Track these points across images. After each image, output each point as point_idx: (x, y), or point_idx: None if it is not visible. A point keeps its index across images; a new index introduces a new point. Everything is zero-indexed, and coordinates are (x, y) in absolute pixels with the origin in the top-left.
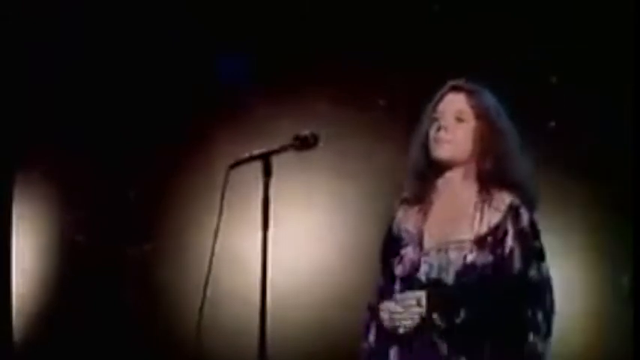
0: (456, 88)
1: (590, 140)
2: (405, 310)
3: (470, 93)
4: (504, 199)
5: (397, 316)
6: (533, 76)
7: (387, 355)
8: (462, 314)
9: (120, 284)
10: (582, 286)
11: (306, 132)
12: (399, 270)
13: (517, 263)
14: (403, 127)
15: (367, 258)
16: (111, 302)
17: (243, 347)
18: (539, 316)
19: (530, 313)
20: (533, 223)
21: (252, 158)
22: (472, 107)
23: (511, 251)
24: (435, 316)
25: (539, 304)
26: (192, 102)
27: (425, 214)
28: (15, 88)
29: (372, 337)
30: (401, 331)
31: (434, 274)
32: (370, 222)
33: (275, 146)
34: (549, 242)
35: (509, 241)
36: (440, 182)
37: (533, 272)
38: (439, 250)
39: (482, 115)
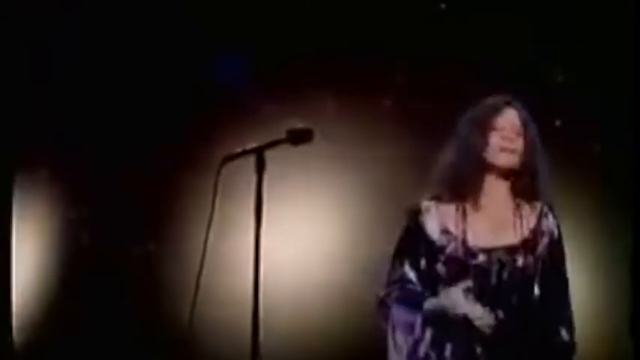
0: (509, 104)
1: (590, 140)
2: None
3: (519, 110)
4: (535, 205)
5: (483, 320)
6: (534, 75)
7: (442, 347)
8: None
9: (121, 284)
10: (582, 285)
11: (300, 125)
12: (441, 270)
13: (553, 263)
14: (405, 125)
15: (361, 253)
16: (112, 302)
17: (237, 345)
18: (569, 312)
19: (565, 309)
20: (559, 227)
21: (245, 152)
22: (523, 124)
23: (548, 252)
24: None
25: (568, 299)
26: (192, 102)
27: (465, 215)
28: (15, 88)
29: (418, 332)
30: (487, 331)
31: (482, 276)
32: (370, 220)
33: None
34: None
35: (545, 244)
36: (484, 186)
37: (563, 270)
38: (488, 254)
39: (528, 131)
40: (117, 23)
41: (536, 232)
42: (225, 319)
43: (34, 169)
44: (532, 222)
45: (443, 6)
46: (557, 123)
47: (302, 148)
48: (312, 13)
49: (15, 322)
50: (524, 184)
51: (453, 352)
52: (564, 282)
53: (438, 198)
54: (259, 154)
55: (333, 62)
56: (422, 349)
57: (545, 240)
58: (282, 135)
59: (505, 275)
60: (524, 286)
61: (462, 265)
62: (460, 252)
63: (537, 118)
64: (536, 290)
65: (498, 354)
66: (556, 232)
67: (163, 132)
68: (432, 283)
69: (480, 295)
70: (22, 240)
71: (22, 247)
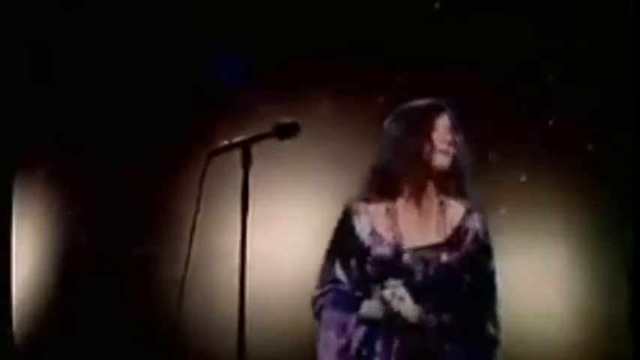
0: (443, 108)
1: (590, 140)
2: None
3: (450, 114)
4: (460, 203)
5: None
6: (533, 75)
7: (373, 344)
8: (435, 310)
9: (120, 283)
10: (582, 285)
11: (287, 119)
12: (371, 270)
13: (478, 259)
14: None
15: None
16: (110, 300)
17: (223, 339)
18: (495, 307)
19: (491, 304)
20: (484, 224)
21: (231, 146)
22: (454, 127)
23: (474, 249)
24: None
25: (495, 294)
26: (192, 102)
27: (394, 217)
28: (15, 88)
29: (350, 333)
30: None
31: (408, 275)
32: None
33: (254, 133)
34: (549, 242)
35: (469, 240)
36: (414, 187)
37: (490, 267)
38: (413, 253)
39: (458, 135)
40: (117, 23)
41: (461, 230)
42: (211, 316)
43: (34, 169)
44: (456, 220)
45: (437, 5)
46: (551, 122)
47: (300, 149)
48: (312, 13)
49: (15, 318)
50: (451, 184)
51: (383, 349)
52: (490, 278)
53: (367, 199)
54: (245, 147)
55: (332, 62)
56: (353, 348)
57: (469, 237)
58: (269, 129)
59: (430, 272)
60: (451, 283)
61: (389, 265)
62: (387, 252)
63: (533, 117)
64: (463, 286)
65: (428, 349)
66: (481, 230)
67: (163, 132)
68: (363, 283)
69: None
70: (21, 238)
71: (22, 245)
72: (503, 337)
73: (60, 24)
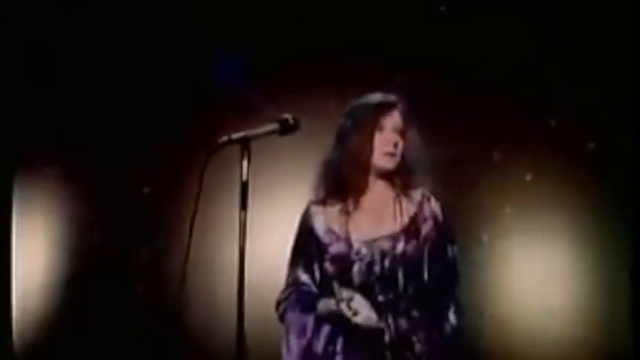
0: (391, 105)
1: (591, 139)
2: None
3: (400, 109)
4: (416, 192)
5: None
6: (534, 75)
7: (334, 344)
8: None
9: (123, 285)
10: (582, 285)
11: (286, 115)
12: (330, 268)
13: (439, 245)
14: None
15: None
16: (112, 303)
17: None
18: (457, 294)
19: (452, 292)
20: (443, 210)
21: (230, 142)
22: (405, 123)
23: (434, 235)
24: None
25: (458, 281)
26: (192, 102)
27: (347, 214)
28: (15, 88)
29: (309, 333)
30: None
31: (365, 269)
32: None
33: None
34: (549, 242)
35: (428, 227)
36: (361, 184)
37: (450, 253)
38: (370, 246)
39: (410, 130)
40: (117, 23)
41: (418, 218)
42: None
43: (34, 169)
44: (412, 209)
45: (442, 8)
46: (552, 122)
47: (299, 149)
48: (312, 13)
49: (15, 323)
50: (402, 180)
51: (344, 348)
52: (451, 264)
53: (323, 200)
54: (245, 143)
55: (332, 62)
56: (314, 349)
57: (429, 224)
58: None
59: (387, 263)
60: (412, 272)
61: (347, 261)
62: (343, 249)
63: (534, 116)
64: (425, 274)
65: (391, 343)
66: (440, 215)
67: (162, 132)
68: (326, 283)
69: (368, 286)
70: (22, 236)
71: (22, 247)
72: (508, 334)
73: (60, 24)
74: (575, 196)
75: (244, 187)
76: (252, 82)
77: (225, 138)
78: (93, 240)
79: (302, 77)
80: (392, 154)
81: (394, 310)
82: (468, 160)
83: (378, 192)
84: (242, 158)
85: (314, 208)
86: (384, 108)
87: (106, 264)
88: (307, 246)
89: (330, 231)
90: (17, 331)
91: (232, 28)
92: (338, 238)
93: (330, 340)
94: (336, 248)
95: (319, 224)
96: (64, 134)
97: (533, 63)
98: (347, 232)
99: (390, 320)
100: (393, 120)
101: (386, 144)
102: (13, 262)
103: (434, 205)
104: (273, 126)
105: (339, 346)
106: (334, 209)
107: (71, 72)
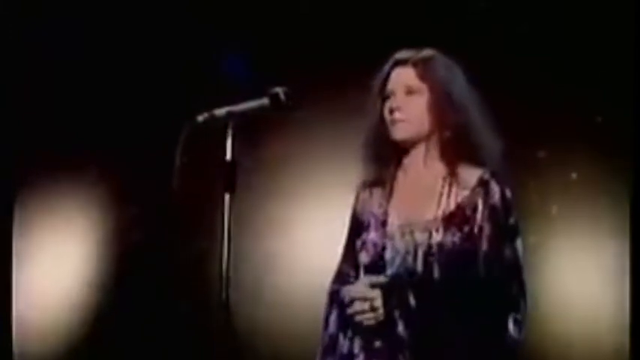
0: (401, 62)
1: (589, 139)
2: (366, 305)
3: (417, 64)
4: (473, 173)
5: (360, 313)
6: (580, 73)
7: (351, 345)
8: (427, 307)
9: (129, 288)
10: (582, 285)
11: (276, 89)
12: (363, 256)
13: (488, 241)
14: None
15: (339, 231)
16: (114, 310)
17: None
18: (520, 300)
19: (507, 294)
20: (505, 198)
21: (214, 119)
22: (422, 79)
23: (480, 229)
24: (396, 314)
25: (516, 284)
26: (192, 102)
27: (389, 195)
28: (15, 89)
29: (332, 327)
30: (364, 324)
31: (399, 260)
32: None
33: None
34: (602, 241)
35: (479, 218)
36: (404, 162)
37: (507, 251)
38: (404, 233)
39: (434, 86)
40: (117, 23)
41: (467, 206)
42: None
43: (34, 169)
44: (463, 194)
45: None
46: (599, 119)
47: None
48: (312, 13)
49: (15, 327)
50: (450, 148)
51: (363, 348)
52: (508, 262)
53: (368, 184)
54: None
55: (333, 62)
56: (337, 343)
57: (482, 214)
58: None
59: (421, 255)
60: (453, 269)
61: (379, 250)
62: (379, 236)
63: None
64: (475, 274)
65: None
66: (499, 205)
67: (162, 132)
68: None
69: (399, 279)
70: (22, 235)
71: (22, 248)
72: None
73: (60, 24)
74: (621, 196)
75: (232, 166)
76: (252, 81)
77: (206, 115)
78: (96, 239)
79: (302, 77)
80: (402, 121)
81: (427, 314)
82: (513, 160)
83: (427, 173)
84: (226, 137)
85: (360, 192)
86: (391, 68)
87: (111, 267)
88: (352, 235)
89: (370, 213)
90: (17, 337)
91: (232, 28)
92: (375, 223)
93: (351, 338)
94: (370, 234)
95: (361, 207)
96: (65, 134)
97: (580, 60)
98: (384, 216)
99: (416, 324)
100: (398, 81)
101: (391, 112)
102: (13, 262)
103: (494, 192)
104: (262, 101)
105: (356, 348)
106: (378, 191)
107: (71, 72)
